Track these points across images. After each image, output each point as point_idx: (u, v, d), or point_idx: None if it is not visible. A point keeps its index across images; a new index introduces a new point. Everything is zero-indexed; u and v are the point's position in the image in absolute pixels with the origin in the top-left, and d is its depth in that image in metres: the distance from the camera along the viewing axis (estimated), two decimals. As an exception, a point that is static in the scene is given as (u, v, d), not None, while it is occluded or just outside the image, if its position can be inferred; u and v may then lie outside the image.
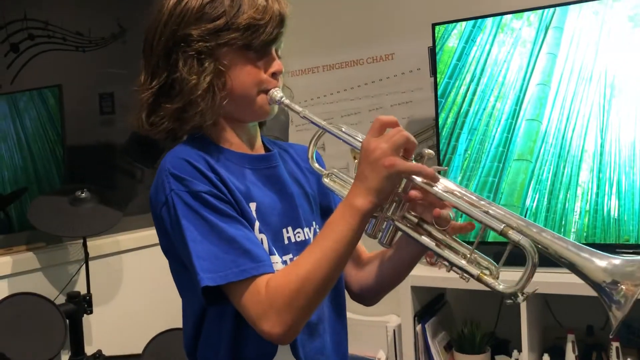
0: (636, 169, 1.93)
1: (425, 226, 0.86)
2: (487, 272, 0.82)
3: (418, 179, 0.83)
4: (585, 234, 1.97)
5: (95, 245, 2.02)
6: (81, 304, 1.81)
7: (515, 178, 2.08)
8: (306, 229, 0.96)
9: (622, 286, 0.74)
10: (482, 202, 0.82)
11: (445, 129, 2.18)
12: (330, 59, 2.61)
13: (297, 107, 0.94)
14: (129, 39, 2.50)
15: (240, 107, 0.93)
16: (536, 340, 2.08)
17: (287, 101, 0.93)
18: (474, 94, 2.15)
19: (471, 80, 2.16)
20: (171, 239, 0.87)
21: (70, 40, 2.30)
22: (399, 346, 2.26)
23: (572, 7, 2.00)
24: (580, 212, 2.00)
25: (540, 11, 2.06)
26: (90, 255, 1.93)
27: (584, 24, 2.00)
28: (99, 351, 1.81)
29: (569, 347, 1.99)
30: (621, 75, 1.95)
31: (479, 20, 2.14)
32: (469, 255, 0.83)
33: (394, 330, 2.28)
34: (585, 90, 2.00)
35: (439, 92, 2.20)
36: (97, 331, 2.02)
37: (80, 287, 1.92)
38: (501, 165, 2.10)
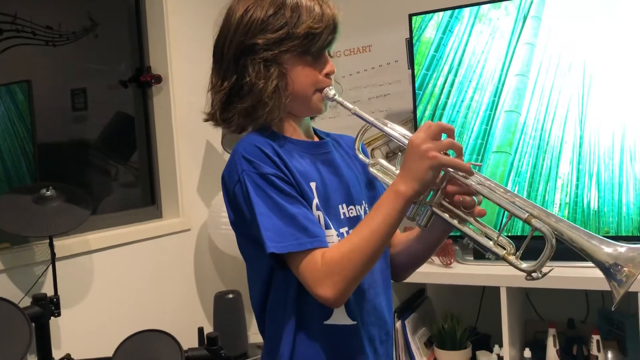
0: (616, 160, 1.91)
1: (458, 212, 1.00)
2: (510, 253, 0.95)
3: (454, 172, 0.96)
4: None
5: (64, 245, 1.96)
6: (48, 307, 1.74)
7: (495, 170, 2.05)
8: (358, 206, 1.09)
9: (624, 268, 0.88)
10: (508, 194, 0.95)
11: (423, 122, 2.14)
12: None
13: (349, 105, 1.07)
14: (101, 32, 2.44)
15: (298, 104, 1.07)
16: (517, 335, 2.06)
17: (339, 98, 1.07)
18: (452, 85, 2.12)
19: (449, 72, 2.12)
20: (241, 215, 1.00)
21: (40, 34, 2.23)
22: (379, 343, 2.22)
23: (550, -4, 1.98)
24: (560, 204, 1.97)
25: (518, 0, 2.03)
26: (58, 255, 1.86)
27: (562, 13, 1.97)
28: (68, 355, 1.75)
29: (550, 340, 1.98)
30: (600, 65, 1.93)
31: (457, 10, 2.11)
32: (495, 238, 0.97)
33: (374, 327, 2.25)
34: (565, 80, 1.97)
35: (417, 84, 2.17)
36: (66, 334, 1.95)
37: (47, 289, 1.85)
38: (480, 157, 2.07)
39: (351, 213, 1.08)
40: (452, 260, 2.08)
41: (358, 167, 1.16)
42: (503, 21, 2.05)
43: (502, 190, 0.96)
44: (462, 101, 2.11)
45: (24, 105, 2.07)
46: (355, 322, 1.03)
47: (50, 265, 1.83)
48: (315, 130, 1.17)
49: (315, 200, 1.02)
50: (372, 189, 1.17)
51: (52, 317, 1.78)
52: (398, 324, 2.05)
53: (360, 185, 1.14)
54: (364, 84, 2.50)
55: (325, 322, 1.02)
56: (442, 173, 0.98)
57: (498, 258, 0.96)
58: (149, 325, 1.78)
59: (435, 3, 2.18)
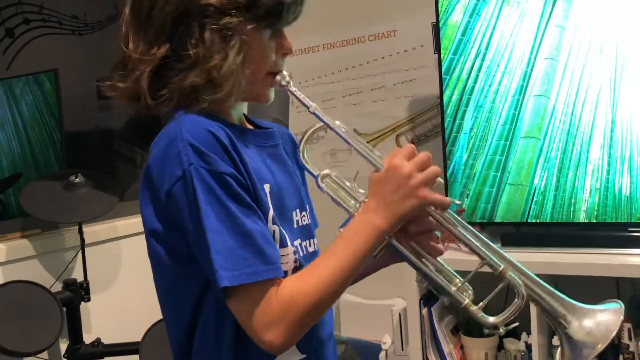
0: (649, 144, 1.86)
1: (417, 248, 0.89)
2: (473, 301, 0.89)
3: (431, 208, 0.85)
4: (595, 212, 1.91)
5: (92, 231, 1.99)
6: (78, 292, 1.78)
7: (523, 156, 2.01)
8: (306, 212, 0.93)
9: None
10: (480, 241, 0.88)
11: (450, 107, 2.11)
12: (331, 37, 2.54)
13: (308, 102, 0.88)
14: (126, 21, 2.45)
15: (246, 87, 0.83)
16: (546, 322, 2.04)
17: (293, 89, 0.87)
18: (479, 70, 2.08)
19: (476, 56, 2.09)
20: (176, 224, 0.77)
21: (66, 23, 2.26)
22: (404, 330, 2.22)
23: (582, -23, 1.93)
24: (591, 190, 1.93)
25: (547, -18, 1.98)
26: (87, 241, 1.89)
27: (593, -6, 1.92)
28: (98, 339, 1.78)
29: (579, 329, 1.95)
30: (633, 47, 1.87)
31: (484, -8, 2.07)
32: (459, 284, 0.89)
33: (400, 314, 2.24)
34: (596, 64, 1.92)
35: (444, 69, 2.13)
36: (96, 319, 1.99)
37: (77, 275, 1.89)
38: (508, 143, 2.04)
39: (303, 221, 0.91)
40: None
41: (295, 165, 0.97)
42: (532, 3, 2.00)
43: (474, 233, 0.87)
44: (490, 86, 2.07)
45: (52, 94, 2.10)
46: (304, 356, 0.87)
47: (80, 251, 1.86)
48: (245, 117, 0.94)
49: (272, 212, 0.82)
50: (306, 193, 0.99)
51: (82, 302, 1.81)
52: (424, 311, 2.04)
53: (302, 187, 0.96)
54: (388, 70, 2.47)
55: None
56: None
57: (458, 305, 0.87)
58: (177, 311, 1.80)
59: (462, -14, 2.14)
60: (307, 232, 0.91)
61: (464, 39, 2.10)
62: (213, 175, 0.74)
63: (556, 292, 0.86)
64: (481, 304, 0.86)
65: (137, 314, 2.07)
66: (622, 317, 0.82)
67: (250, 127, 0.92)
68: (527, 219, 1.98)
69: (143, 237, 2.35)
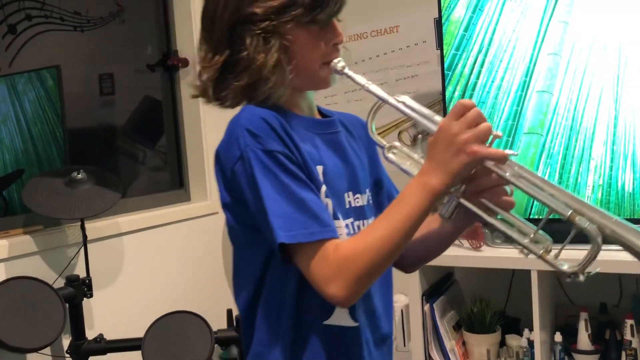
0: (652, 140, 1.85)
1: (487, 203, 0.89)
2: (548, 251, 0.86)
3: (490, 163, 0.86)
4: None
5: (95, 227, 1.99)
6: (80, 288, 1.78)
7: (526, 152, 2.01)
8: (363, 195, 1.00)
9: None
10: (547, 186, 0.85)
11: (452, 103, 2.11)
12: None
13: (361, 79, 0.95)
14: (127, 17, 2.45)
15: (303, 78, 0.95)
16: (548, 319, 2.03)
17: (349, 72, 0.95)
18: (482, 65, 2.08)
19: (479, 52, 2.08)
20: (240, 197, 0.88)
21: (68, 20, 2.26)
22: (406, 326, 2.22)
23: (585, -28, 1.92)
24: (593, 186, 1.93)
25: (551, -23, 1.97)
26: (89, 237, 1.89)
27: (597, -11, 1.91)
28: (101, 335, 1.79)
29: (581, 325, 1.95)
30: (637, 43, 1.86)
31: (487, -12, 2.06)
32: (532, 235, 0.86)
33: (402, 310, 2.24)
34: (599, 59, 1.92)
35: (446, 65, 2.13)
36: (98, 315, 1.99)
37: (80, 271, 1.89)
38: (511, 139, 2.03)
39: (357, 202, 0.98)
40: (482, 244, 2.05)
41: (362, 150, 1.05)
42: (535, -1, 2.00)
43: (539, 181, 0.85)
44: (493, 82, 2.06)
45: (54, 90, 2.10)
46: (357, 324, 0.94)
47: (82, 247, 1.86)
48: (318, 108, 1.05)
49: (324, 187, 0.91)
50: (377, 179, 1.06)
51: (84, 298, 1.81)
52: (426, 307, 2.04)
53: (365, 171, 1.03)
54: (391, 66, 2.47)
55: (325, 323, 0.92)
56: None
57: (537, 257, 0.85)
58: (179, 307, 1.81)
59: (465, -19, 2.13)
60: (360, 213, 0.97)
61: (466, 35, 2.09)
62: (266, 153, 0.85)
63: (632, 225, 0.81)
64: (556, 251, 0.85)
65: (139, 310, 2.08)
66: None
67: (318, 116, 1.02)
68: (530, 214, 1.98)
69: (145, 233, 2.37)
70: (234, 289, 0.99)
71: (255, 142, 0.86)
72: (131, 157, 2.59)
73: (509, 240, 0.88)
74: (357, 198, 0.98)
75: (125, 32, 2.47)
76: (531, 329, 1.93)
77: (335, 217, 0.92)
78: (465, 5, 2.09)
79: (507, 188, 0.91)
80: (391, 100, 0.93)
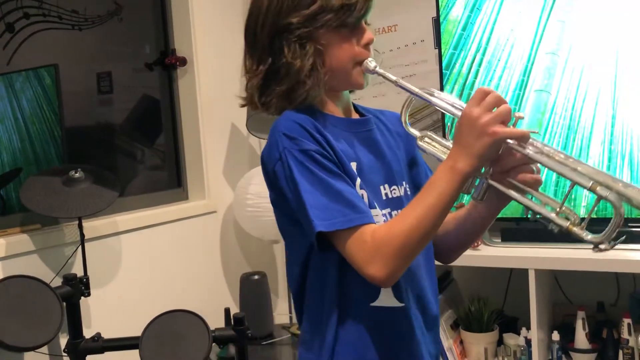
0: (650, 140, 1.86)
1: (515, 183, 0.94)
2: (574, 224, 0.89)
3: (511, 142, 0.90)
4: (596, 208, 1.90)
5: (92, 226, 1.99)
6: (78, 287, 1.77)
7: (523, 151, 2.01)
8: (399, 187, 1.06)
9: None
10: (570, 160, 0.88)
11: (450, 102, 2.11)
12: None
13: (391, 76, 1.01)
14: (125, 16, 2.45)
15: (338, 79, 1.02)
16: (545, 318, 2.04)
17: (381, 70, 1.01)
18: (480, 65, 2.08)
19: (477, 51, 2.08)
20: (282, 194, 0.96)
21: (66, 18, 2.25)
22: (404, 325, 2.22)
23: (583, -29, 1.92)
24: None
25: (549, -24, 1.97)
26: (87, 236, 1.89)
27: (595, -12, 1.91)
28: (98, 334, 1.78)
29: (579, 324, 1.95)
30: (635, 43, 1.86)
31: (485, -13, 2.06)
32: (558, 209, 0.90)
33: (400, 309, 2.24)
34: (597, 59, 1.92)
35: (444, 64, 2.13)
36: (96, 314, 1.99)
37: (77, 270, 1.89)
38: (508, 138, 2.04)
39: (394, 194, 1.05)
40: (479, 243, 2.05)
41: (400, 144, 1.12)
42: (533, -2, 2.00)
43: (562, 156, 0.89)
44: (491, 81, 2.06)
45: (52, 89, 2.09)
46: (403, 304, 1.00)
47: (80, 246, 1.86)
48: (355, 106, 1.12)
49: (359, 180, 0.99)
50: (415, 166, 1.13)
51: (82, 297, 1.81)
52: (424, 306, 2.05)
53: (401, 164, 1.10)
54: (389, 65, 2.46)
55: (372, 304, 0.99)
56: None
57: (562, 230, 0.89)
58: (176, 306, 1.80)
59: (463, -20, 2.13)
60: (397, 203, 1.04)
61: (464, 34, 2.10)
62: (302, 153, 0.94)
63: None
64: (583, 223, 0.88)
65: (137, 309, 2.08)
66: None
67: (347, 116, 1.08)
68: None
69: (143, 232, 2.36)
70: (287, 277, 1.10)
71: (292, 143, 0.95)
72: (129, 156, 2.58)
73: (537, 214, 0.91)
74: (394, 189, 1.05)
75: (123, 30, 2.46)
76: (529, 328, 1.94)
77: (372, 207, 0.98)
78: (463, 4, 2.09)
79: (534, 167, 0.95)
80: (422, 94, 0.99)
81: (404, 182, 1.08)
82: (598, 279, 2.03)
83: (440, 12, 2.13)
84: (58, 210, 1.78)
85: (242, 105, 1.07)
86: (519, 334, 2.04)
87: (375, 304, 0.98)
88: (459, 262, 2.04)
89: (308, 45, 0.98)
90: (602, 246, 0.86)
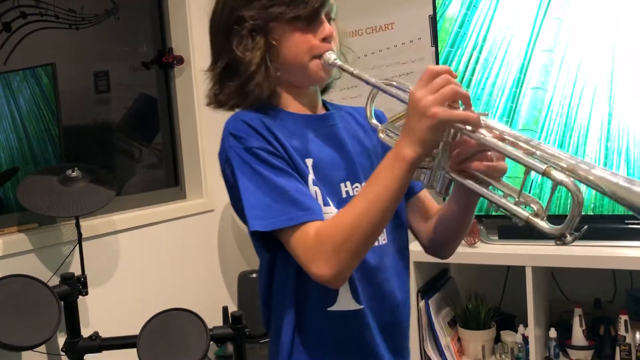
0: (646, 137, 1.86)
1: (476, 173, 0.88)
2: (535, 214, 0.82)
3: (463, 126, 0.84)
4: (592, 204, 1.91)
5: (90, 225, 1.99)
6: (75, 286, 1.77)
7: (520, 149, 2.01)
8: (360, 184, 1.01)
9: None
10: (532, 143, 0.82)
11: (447, 100, 2.11)
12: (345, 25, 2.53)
13: (349, 67, 0.97)
14: (122, 14, 2.45)
15: (296, 74, 0.98)
16: (543, 315, 2.04)
17: (339, 62, 0.97)
18: (476, 62, 2.08)
19: (473, 49, 2.08)
20: (234, 194, 0.93)
21: (63, 17, 2.25)
22: (402, 323, 2.22)
23: (579, -31, 1.92)
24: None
25: (545, -26, 1.98)
26: (85, 235, 1.89)
27: (591, -14, 1.91)
28: (96, 333, 1.78)
29: (576, 321, 1.96)
30: (631, 40, 1.87)
31: (482, -15, 2.06)
32: (517, 198, 0.84)
33: (397, 307, 2.25)
34: (594, 56, 1.92)
35: (441, 62, 2.13)
36: (93, 313, 1.99)
37: (75, 269, 1.89)
38: (505, 136, 2.04)
39: (355, 191, 0.99)
40: (477, 240, 2.06)
41: (373, 140, 1.05)
42: (529, -5, 2.00)
43: (522, 139, 0.82)
44: (487, 78, 2.07)
45: (49, 88, 2.09)
46: (361, 307, 0.96)
47: (77, 245, 1.86)
48: (325, 103, 1.08)
49: (311, 176, 0.95)
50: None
51: (79, 296, 1.81)
52: (422, 303, 2.05)
53: (372, 160, 1.04)
54: (386, 63, 2.47)
55: (329, 309, 0.95)
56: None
57: (524, 220, 0.81)
58: (174, 304, 1.80)
59: (460, -22, 2.13)
60: None
61: (461, 32, 2.10)
62: (246, 150, 0.91)
63: (608, 170, 0.77)
64: (543, 214, 0.81)
65: (135, 308, 2.08)
66: None
67: (310, 112, 1.03)
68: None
69: (140, 231, 2.36)
70: (259, 282, 1.05)
71: (237, 142, 0.92)
72: (126, 155, 2.58)
73: (497, 205, 0.84)
74: (356, 187, 1.00)
75: (120, 29, 2.46)
76: (526, 325, 1.94)
77: (326, 204, 0.94)
78: (459, 2, 2.09)
79: (494, 155, 0.89)
80: (378, 83, 0.94)
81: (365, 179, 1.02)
82: (595, 276, 2.03)
83: (436, 10, 2.13)
84: (55, 209, 1.78)
85: (207, 104, 1.03)
86: (516, 331, 2.04)
87: (333, 308, 0.95)
88: (456, 259, 2.06)
89: (258, 38, 0.95)
90: (565, 239, 0.78)
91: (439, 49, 2.13)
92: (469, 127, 0.83)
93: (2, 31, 2.06)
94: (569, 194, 0.78)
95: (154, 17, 2.57)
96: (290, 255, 0.91)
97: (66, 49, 2.29)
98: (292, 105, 1.01)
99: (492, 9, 2.06)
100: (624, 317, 1.88)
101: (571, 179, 0.76)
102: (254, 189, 0.89)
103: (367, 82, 0.96)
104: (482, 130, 0.83)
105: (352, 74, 0.96)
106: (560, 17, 1.96)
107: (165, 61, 2.53)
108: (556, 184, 0.77)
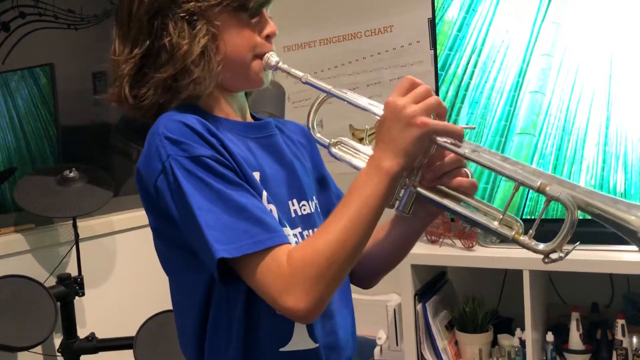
0: (644, 141, 1.86)
1: (447, 190, 0.82)
2: (520, 232, 0.79)
3: (443, 140, 0.78)
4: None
5: (87, 225, 1.99)
6: (72, 286, 1.77)
7: (519, 152, 2.02)
8: (310, 202, 0.91)
9: None
10: (510, 161, 0.78)
11: (446, 103, 2.11)
12: (327, 32, 2.53)
13: (298, 72, 0.88)
14: (122, 15, 2.45)
15: (234, 73, 0.86)
16: (540, 318, 2.04)
17: (284, 66, 0.87)
18: (475, 66, 2.08)
19: (472, 52, 2.09)
20: (167, 215, 0.77)
21: (62, 18, 2.25)
22: (399, 326, 2.22)
23: (578, -27, 1.93)
24: (586, 186, 1.94)
25: (544, -22, 1.98)
26: (82, 236, 1.89)
27: (590, -10, 1.92)
28: (92, 334, 1.78)
29: (573, 324, 1.96)
30: (629, 45, 1.87)
31: (481, -12, 2.07)
32: (500, 217, 0.79)
33: (395, 310, 2.25)
34: (592, 60, 1.92)
35: (439, 65, 2.13)
36: (90, 314, 1.99)
37: (72, 269, 1.89)
38: (504, 139, 2.04)
39: (304, 210, 0.88)
40: (474, 243, 2.06)
41: (306, 157, 0.96)
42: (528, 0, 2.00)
43: (499, 157, 0.78)
44: (486, 82, 2.07)
45: (47, 88, 2.09)
46: (317, 345, 0.83)
47: (74, 246, 1.86)
48: (251, 114, 0.95)
49: (265, 192, 0.81)
50: (325, 189, 0.98)
51: (76, 297, 1.81)
52: (419, 306, 2.05)
53: (310, 177, 0.94)
54: (385, 65, 2.47)
55: (282, 350, 0.81)
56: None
57: (507, 240, 0.79)
58: (170, 306, 1.80)
59: (459, -18, 2.14)
60: (309, 222, 0.88)
61: (459, 35, 2.10)
62: (192, 160, 0.75)
63: (606, 194, 0.75)
64: (530, 231, 0.77)
65: (131, 309, 2.08)
66: None
67: (250, 120, 0.93)
68: (522, 215, 1.98)
69: (138, 232, 2.35)
70: (177, 327, 0.88)
71: (179, 149, 0.75)
72: (124, 156, 2.58)
73: (475, 225, 0.80)
74: (304, 205, 0.89)
75: (119, 30, 2.46)
76: (523, 329, 1.94)
77: (282, 225, 0.81)
78: (458, 5, 2.10)
79: (468, 171, 0.84)
80: (334, 91, 0.86)
81: (314, 197, 0.92)
82: (592, 279, 2.03)
83: (435, 13, 2.13)
84: (52, 209, 1.78)
85: (110, 101, 0.88)
86: (513, 334, 2.04)
87: (286, 348, 0.81)
88: (454, 262, 2.06)
89: (199, 24, 0.81)
90: (553, 256, 0.75)
91: (438, 52, 2.13)
92: (451, 141, 0.79)
93: (0, 31, 2.05)
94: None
95: (153, 18, 2.57)
96: (233, 288, 0.77)
97: (65, 50, 2.29)
98: (223, 109, 0.87)
99: (490, 12, 2.06)
100: (621, 321, 1.88)
101: (567, 195, 0.73)
102: (209, 206, 0.73)
103: (320, 89, 0.87)
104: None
105: (300, 79, 0.87)
106: (558, 22, 1.97)
107: (164, 62, 2.53)
108: (549, 200, 0.74)
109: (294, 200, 0.88)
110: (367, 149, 0.89)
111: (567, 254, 0.75)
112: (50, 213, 1.82)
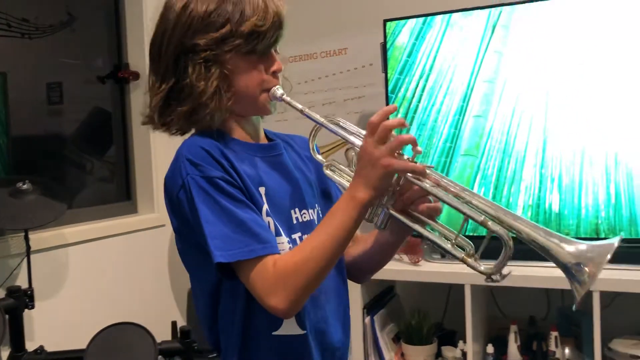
0: (576, 165, 2.00)
1: (415, 213, 0.99)
2: (469, 255, 0.95)
3: (410, 175, 0.94)
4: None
5: (39, 238, 1.97)
6: (22, 299, 1.75)
7: (462, 172, 2.13)
8: (311, 210, 1.07)
9: (585, 268, 0.86)
10: (466, 193, 0.93)
11: (395, 124, 2.20)
12: (283, 52, 2.59)
13: (298, 105, 1.02)
14: (78, 27, 2.45)
15: (245, 105, 1.02)
16: (481, 331, 2.14)
17: (287, 98, 1.02)
18: (423, 90, 2.19)
19: (420, 77, 2.19)
20: (185, 222, 0.95)
21: (15, 26, 2.23)
22: (348, 338, 2.28)
23: (519, 7, 2.06)
24: (524, 206, 2.06)
25: (488, 10, 2.11)
26: (33, 248, 1.87)
27: (529, 22, 2.05)
28: (41, 347, 1.77)
29: (511, 337, 2.06)
30: (565, 73, 2.01)
31: (429, 17, 2.18)
32: (453, 240, 0.95)
33: (344, 323, 2.30)
34: (530, 88, 2.06)
35: (390, 88, 2.23)
36: (39, 327, 1.97)
37: (22, 281, 1.87)
38: (449, 159, 2.15)
39: (304, 218, 1.05)
40: (420, 259, 2.14)
41: (311, 168, 1.13)
42: (473, 29, 2.13)
43: (459, 188, 0.94)
44: (433, 105, 2.18)
45: (-1, 97, 2.07)
46: (304, 332, 1.00)
47: (25, 258, 1.84)
48: (265, 132, 1.12)
49: (265, 206, 0.98)
50: (327, 193, 1.14)
51: (26, 309, 1.79)
52: (367, 319, 2.12)
53: (313, 188, 1.10)
54: (339, 86, 2.56)
55: (274, 333, 0.99)
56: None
57: (457, 260, 0.94)
58: (123, 319, 1.81)
59: (409, 10, 2.25)
60: (309, 227, 1.04)
61: (409, 60, 2.21)
62: (205, 180, 0.93)
63: (542, 227, 0.90)
64: (476, 255, 0.93)
65: (82, 322, 2.06)
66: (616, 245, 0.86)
67: (255, 141, 1.08)
68: (465, 232, 2.08)
69: (91, 244, 2.33)
70: (195, 308, 1.06)
71: (196, 170, 0.93)
72: (79, 168, 2.57)
73: (434, 244, 0.96)
74: (304, 213, 1.05)
75: (76, 41, 2.46)
76: (465, 341, 2.03)
77: (278, 234, 0.98)
78: (409, 32, 2.21)
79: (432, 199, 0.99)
80: (326, 123, 1.02)
81: (315, 205, 1.09)
82: (530, 294, 2.14)
83: (387, 38, 2.23)
84: (4, 221, 1.76)
85: (144, 123, 1.05)
86: (456, 346, 2.13)
87: (277, 332, 0.99)
88: (401, 277, 2.14)
89: (213, 68, 0.97)
90: (494, 277, 0.92)
91: (389, 75, 2.23)
92: (410, 175, 0.94)
93: (-49, 38, 2.03)
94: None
95: (110, 32, 2.58)
96: (237, 284, 0.95)
97: (18, 59, 2.27)
98: (238, 132, 1.04)
99: (438, 40, 2.18)
100: (554, 334, 2.00)
101: (505, 230, 0.89)
102: (215, 220, 0.91)
103: (315, 121, 1.02)
104: (427, 180, 0.95)
105: (301, 111, 1.02)
106: (500, 51, 2.10)
107: (121, 76, 2.54)
108: (491, 232, 0.90)
109: (296, 209, 1.04)
110: (351, 173, 1.04)
111: (503, 277, 0.92)
112: (2, 225, 1.81)
